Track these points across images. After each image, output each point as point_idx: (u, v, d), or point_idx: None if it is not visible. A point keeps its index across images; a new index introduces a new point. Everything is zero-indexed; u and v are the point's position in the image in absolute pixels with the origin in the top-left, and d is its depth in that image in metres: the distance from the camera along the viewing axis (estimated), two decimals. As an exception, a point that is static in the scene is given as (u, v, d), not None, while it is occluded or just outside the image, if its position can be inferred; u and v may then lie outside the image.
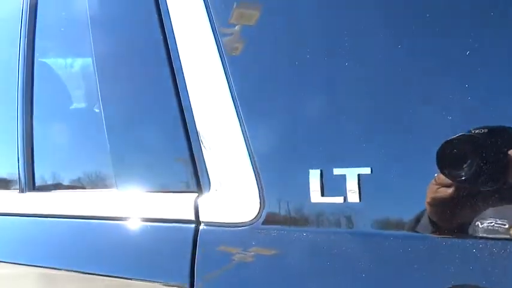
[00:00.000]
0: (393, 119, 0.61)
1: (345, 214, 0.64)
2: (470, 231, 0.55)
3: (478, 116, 0.55)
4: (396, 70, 0.62)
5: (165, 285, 0.81)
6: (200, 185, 0.80)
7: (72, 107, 1.24)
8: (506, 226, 0.52)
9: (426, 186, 0.57)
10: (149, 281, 0.82)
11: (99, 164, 1.06)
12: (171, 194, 0.84)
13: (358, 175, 0.62)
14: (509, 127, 0.53)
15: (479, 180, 0.53)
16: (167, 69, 0.84)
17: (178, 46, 0.83)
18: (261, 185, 0.71)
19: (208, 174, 0.79)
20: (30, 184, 1.23)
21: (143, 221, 0.88)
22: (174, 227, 0.81)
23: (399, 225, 0.60)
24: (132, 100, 0.96)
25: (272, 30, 0.74)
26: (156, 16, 0.86)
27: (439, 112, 0.57)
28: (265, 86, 0.74)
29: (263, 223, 0.71)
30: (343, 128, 0.65)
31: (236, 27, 0.78)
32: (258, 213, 0.71)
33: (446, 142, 0.53)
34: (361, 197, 0.62)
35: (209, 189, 0.78)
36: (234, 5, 0.78)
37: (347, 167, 0.63)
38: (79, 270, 0.99)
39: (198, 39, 0.80)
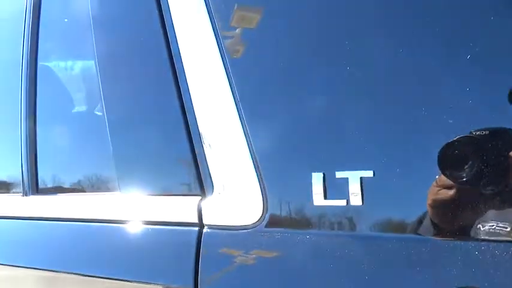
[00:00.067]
0: (395, 121, 0.62)
1: (348, 217, 0.64)
2: (472, 233, 0.55)
3: (479, 117, 0.56)
4: (398, 73, 0.62)
5: (169, 288, 0.82)
6: (203, 188, 0.80)
7: (75, 110, 1.24)
8: (508, 229, 0.53)
9: (428, 189, 0.57)
10: (153, 283, 0.83)
11: (103, 167, 1.06)
12: (175, 197, 0.85)
13: (361, 178, 0.62)
14: (510, 129, 0.54)
15: (480, 181, 0.53)
16: (170, 73, 0.85)
17: (180, 48, 0.84)
18: (264, 188, 0.72)
19: (211, 178, 0.79)
20: (34, 187, 1.23)
21: (147, 224, 0.88)
22: (177, 230, 0.82)
23: (402, 227, 0.60)
24: (135, 103, 0.96)
25: (274, 32, 0.75)
26: (158, 18, 0.87)
27: (441, 115, 0.58)
28: (267, 88, 0.75)
29: (266, 226, 0.71)
30: (345, 131, 0.65)
31: (238, 29, 0.79)
32: (261, 216, 0.72)
33: (448, 143, 0.54)
34: (364, 199, 0.62)
35: (212, 192, 0.79)
36: (236, 7, 0.79)
37: (349, 170, 0.63)
38: (82, 273, 0.99)
39: (200, 41, 0.81)
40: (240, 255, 0.74)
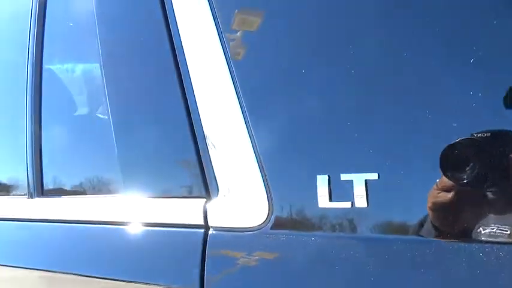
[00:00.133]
0: (400, 124, 0.62)
1: (353, 219, 0.65)
2: (474, 236, 0.56)
3: (481, 120, 0.56)
4: (402, 75, 0.63)
5: (175, 289, 0.82)
6: (209, 190, 0.81)
7: (80, 112, 1.25)
8: (509, 232, 0.53)
9: (435, 190, 0.58)
10: (159, 285, 0.83)
11: (108, 169, 1.07)
12: (180, 199, 0.85)
13: (366, 180, 0.63)
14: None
15: (481, 183, 0.54)
16: (174, 75, 0.85)
17: (185, 50, 0.84)
18: (269, 190, 0.72)
19: (216, 180, 0.80)
20: (39, 189, 1.24)
21: (152, 226, 0.88)
22: (183, 232, 0.82)
23: (406, 229, 0.61)
24: (139, 105, 0.97)
25: (279, 33, 0.75)
26: (162, 20, 0.88)
27: (445, 117, 0.58)
28: (272, 90, 0.75)
29: (271, 228, 0.72)
30: (350, 133, 0.66)
31: (242, 31, 0.79)
32: (267, 218, 0.72)
33: (449, 145, 0.55)
34: (369, 202, 0.63)
35: (218, 194, 0.79)
36: (240, 8, 0.80)
37: (354, 173, 0.64)
38: (87, 274, 0.99)
39: (204, 43, 0.81)
40: (246, 257, 0.74)
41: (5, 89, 1.49)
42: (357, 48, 0.66)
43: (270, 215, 0.72)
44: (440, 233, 0.58)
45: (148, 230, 0.90)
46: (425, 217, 0.59)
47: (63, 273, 1.04)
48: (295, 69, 0.72)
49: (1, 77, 1.52)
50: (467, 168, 0.53)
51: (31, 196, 1.25)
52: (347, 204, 0.64)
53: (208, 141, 0.81)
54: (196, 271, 0.77)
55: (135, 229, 0.92)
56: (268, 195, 0.72)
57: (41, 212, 1.20)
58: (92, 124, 1.21)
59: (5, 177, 1.49)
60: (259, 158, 0.74)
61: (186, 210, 0.83)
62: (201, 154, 0.82)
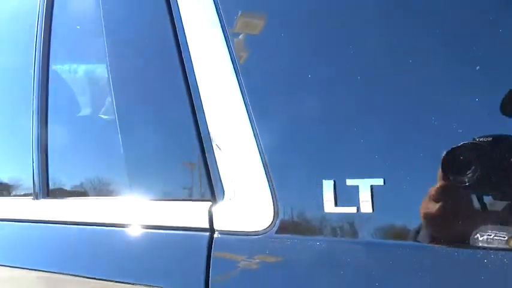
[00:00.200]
0: (406, 130, 0.63)
1: (358, 224, 0.65)
2: (472, 242, 0.56)
3: (484, 125, 0.57)
4: (408, 82, 0.63)
5: (180, 292, 0.82)
6: (214, 193, 0.81)
7: (87, 114, 1.26)
8: (506, 238, 0.54)
9: (440, 196, 0.59)
10: None
11: (114, 171, 1.08)
12: (186, 202, 0.86)
13: (371, 186, 0.63)
14: None
15: (481, 186, 0.54)
16: (180, 77, 0.86)
17: (190, 52, 0.85)
18: (274, 193, 0.73)
19: (222, 183, 0.80)
20: (44, 191, 1.24)
21: (158, 228, 0.89)
22: (188, 235, 0.83)
23: (412, 235, 0.61)
24: (146, 108, 0.97)
25: (286, 36, 0.75)
26: (168, 22, 0.88)
27: (451, 123, 0.59)
28: (278, 95, 0.76)
29: (277, 232, 0.72)
30: (356, 139, 0.66)
31: (249, 34, 0.79)
32: (272, 222, 0.73)
33: (452, 149, 0.55)
34: (374, 207, 0.63)
35: (223, 197, 0.80)
36: (245, 9, 0.80)
37: (360, 178, 0.64)
38: (93, 276, 1.00)
39: (210, 45, 0.82)
40: (251, 261, 0.74)
41: (11, 90, 1.50)
42: (364, 51, 0.67)
43: (275, 219, 0.72)
44: (447, 238, 0.59)
45: (153, 233, 0.90)
46: (433, 223, 0.60)
47: (68, 274, 1.04)
48: (302, 73, 0.73)
49: (8, 78, 1.53)
50: (469, 172, 0.54)
51: (37, 197, 1.26)
52: (352, 209, 0.65)
53: (214, 145, 0.81)
54: (201, 274, 0.77)
55: (139, 231, 0.93)
56: (274, 199, 0.73)
57: (47, 213, 1.21)
58: (98, 126, 1.22)
59: (11, 178, 1.50)
60: (265, 161, 0.74)
61: (191, 213, 0.84)
62: (206, 157, 0.82)
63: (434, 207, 0.58)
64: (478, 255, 0.55)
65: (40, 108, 1.26)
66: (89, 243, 1.06)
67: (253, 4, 0.82)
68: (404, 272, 0.61)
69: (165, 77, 0.92)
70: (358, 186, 0.64)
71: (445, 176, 0.56)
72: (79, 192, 1.18)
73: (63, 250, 1.12)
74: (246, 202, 0.76)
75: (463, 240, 0.57)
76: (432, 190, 0.58)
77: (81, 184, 1.19)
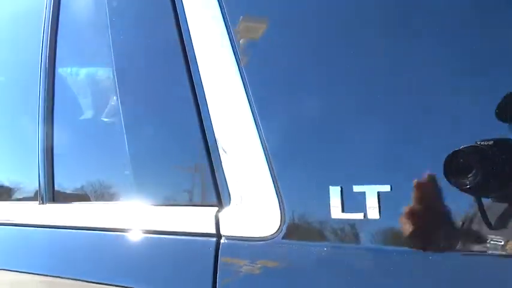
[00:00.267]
0: (413, 137, 0.63)
1: (365, 230, 0.65)
2: (478, 247, 0.57)
3: (486, 128, 0.57)
4: (416, 89, 0.63)
5: (187, 297, 0.83)
6: (221, 198, 0.82)
7: (93, 118, 1.26)
8: (502, 243, 0.54)
9: (445, 202, 0.59)
10: (171, 293, 0.84)
11: (120, 176, 1.08)
12: (192, 207, 0.86)
13: (378, 192, 0.64)
14: None
15: (482, 189, 0.55)
16: (187, 81, 0.86)
17: (196, 54, 0.85)
18: (281, 199, 0.73)
19: (228, 188, 0.80)
20: (50, 195, 1.25)
21: (164, 234, 0.89)
22: (195, 240, 0.83)
23: (419, 242, 0.61)
24: (152, 114, 0.98)
25: (294, 39, 0.75)
26: (174, 26, 0.89)
27: (459, 130, 0.59)
28: (285, 100, 0.76)
29: (284, 237, 0.72)
30: (363, 145, 0.67)
31: (255, 38, 0.80)
32: (279, 227, 0.73)
33: (453, 152, 0.56)
34: (381, 213, 0.63)
35: (230, 202, 0.80)
36: (251, 13, 0.81)
37: (367, 184, 0.65)
38: (98, 281, 1.00)
39: (216, 49, 0.82)
40: (258, 266, 0.75)
41: (17, 95, 1.51)
42: (374, 55, 0.67)
43: (282, 224, 0.73)
44: (454, 244, 0.59)
45: (160, 238, 0.90)
46: (440, 228, 0.60)
47: (74, 279, 1.05)
48: (309, 78, 0.73)
49: (13, 82, 1.54)
50: (470, 175, 0.55)
51: (42, 202, 1.26)
52: (359, 216, 0.65)
53: (220, 150, 0.82)
54: (209, 279, 0.77)
55: (146, 237, 0.93)
56: (281, 204, 0.73)
57: (52, 217, 1.22)
58: (103, 130, 1.22)
59: (17, 182, 1.51)
60: (272, 167, 0.74)
61: (198, 219, 0.84)
62: (213, 163, 0.83)
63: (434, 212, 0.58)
64: (488, 262, 0.56)
65: (46, 112, 1.27)
66: (94, 248, 1.06)
67: (259, 8, 0.81)
68: (412, 278, 0.61)
69: (170, 82, 0.92)
70: (365, 192, 0.65)
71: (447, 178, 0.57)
72: (85, 197, 1.19)
73: (69, 255, 1.12)
74: (253, 207, 0.77)
75: (473, 246, 0.57)
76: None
77: (87, 189, 1.20)
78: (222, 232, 0.80)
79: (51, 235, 1.19)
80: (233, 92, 0.80)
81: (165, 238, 0.89)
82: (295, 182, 0.73)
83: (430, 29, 0.63)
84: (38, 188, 1.28)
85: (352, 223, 0.66)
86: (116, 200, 1.09)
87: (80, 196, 1.20)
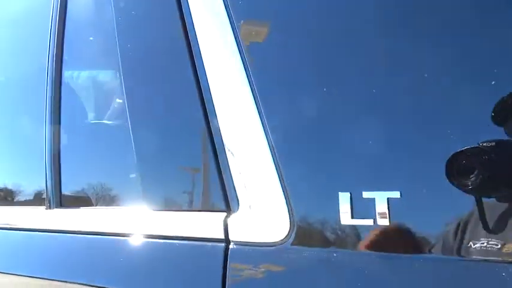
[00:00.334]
0: (423, 143, 0.63)
1: (375, 236, 0.65)
2: (486, 251, 0.57)
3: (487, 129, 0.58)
4: (423, 97, 0.64)
5: (195, 303, 0.83)
6: (229, 204, 0.82)
7: (100, 123, 1.27)
8: (499, 246, 0.55)
9: (455, 209, 0.59)
10: (179, 298, 0.84)
11: (127, 181, 1.08)
12: (201, 212, 0.87)
13: (388, 199, 0.64)
14: None
15: (484, 190, 0.56)
16: (193, 84, 0.87)
17: (203, 56, 0.86)
18: (290, 205, 0.73)
19: (237, 194, 0.81)
20: (58, 200, 1.25)
21: (173, 239, 0.89)
22: (204, 245, 0.83)
23: (428, 248, 0.62)
24: (162, 118, 0.98)
25: (302, 41, 0.75)
26: (181, 29, 0.89)
27: (467, 135, 0.60)
28: (294, 107, 0.76)
29: (293, 243, 0.73)
30: (373, 151, 0.67)
31: (262, 40, 0.80)
32: (288, 233, 0.73)
33: (455, 153, 0.56)
34: (391, 219, 0.64)
35: (238, 208, 0.80)
36: (257, 15, 0.81)
37: (376, 191, 0.65)
38: (105, 286, 1.00)
39: (223, 50, 0.83)
40: (267, 272, 0.75)
41: (24, 99, 1.52)
42: (381, 62, 0.67)
43: (291, 230, 0.73)
44: (466, 249, 0.59)
45: (168, 243, 0.90)
46: (450, 235, 0.60)
47: (82, 284, 1.05)
48: (318, 82, 0.73)
49: (20, 86, 1.54)
50: (472, 176, 0.55)
51: (50, 207, 1.27)
52: (369, 222, 0.65)
53: (228, 156, 0.82)
54: (217, 285, 0.78)
55: (154, 242, 0.93)
56: (290, 210, 0.73)
57: (60, 222, 1.22)
58: (111, 134, 1.23)
59: (24, 187, 1.51)
60: (281, 172, 0.75)
61: (206, 224, 0.84)
62: (221, 168, 0.83)
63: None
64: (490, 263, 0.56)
65: (53, 115, 1.27)
66: (102, 253, 1.06)
67: (265, 10, 0.82)
68: (421, 285, 0.61)
69: (177, 86, 0.93)
70: (374, 198, 0.65)
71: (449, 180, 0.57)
72: (92, 202, 1.19)
73: (77, 260, 1.12)
74: (262, 213, 0.77)
75: (481, 250, 0.58)
76: None
77: (95, 193, 1.20)
78: (231, 238, 0.80)
79: (59, 240, 1.19)
80: (241, 98, 0.80)
81: (173, 244, 0.89)
82: (305, 187, 0.73)
83: (430, 29, 0.63)
84: (45, 193, 1.28)
85: (361, 229, 0.66)
86: (124, 205, 1.09)
87: (88, 201, 1.20)
